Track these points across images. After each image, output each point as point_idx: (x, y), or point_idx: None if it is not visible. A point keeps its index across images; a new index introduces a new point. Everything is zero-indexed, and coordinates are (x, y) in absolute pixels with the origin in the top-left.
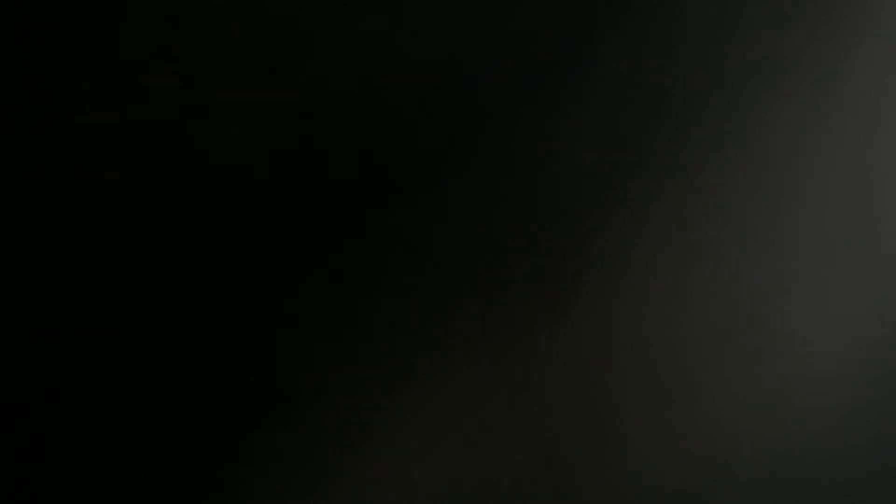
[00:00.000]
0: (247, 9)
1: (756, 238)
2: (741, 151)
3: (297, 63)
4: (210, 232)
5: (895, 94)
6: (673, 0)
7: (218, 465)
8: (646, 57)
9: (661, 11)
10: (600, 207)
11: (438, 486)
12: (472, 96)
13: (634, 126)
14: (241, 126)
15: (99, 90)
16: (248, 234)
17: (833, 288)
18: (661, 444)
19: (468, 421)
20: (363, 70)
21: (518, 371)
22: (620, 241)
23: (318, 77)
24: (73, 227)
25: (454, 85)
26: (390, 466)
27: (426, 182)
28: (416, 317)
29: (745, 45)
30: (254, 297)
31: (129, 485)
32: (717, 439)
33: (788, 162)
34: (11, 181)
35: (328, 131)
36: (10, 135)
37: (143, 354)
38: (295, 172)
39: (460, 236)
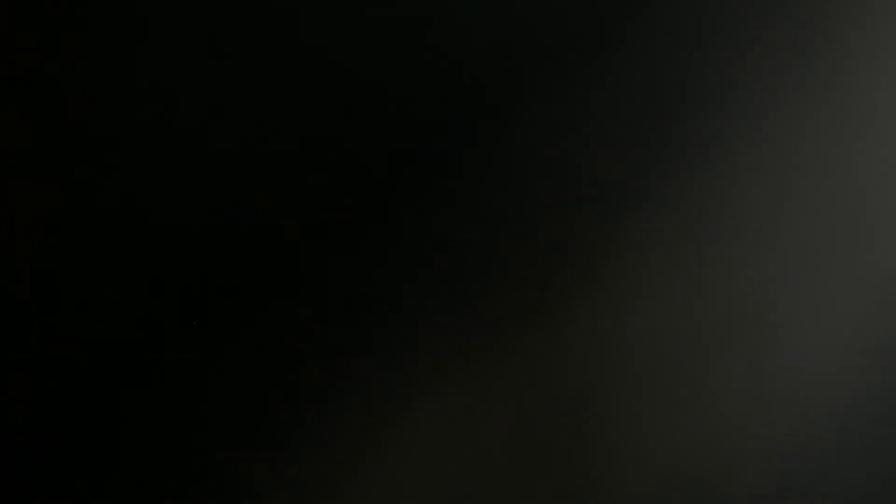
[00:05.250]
0: (254, 6)
1: (760, 236)
2: (745, 149)
3: (302, 61)
4: (212, 231)
5: None
6: (677, 1)
7: (216, 467)
8: (650, 56)
9: (663, 11)
10: (603, 206)
11: (439, 485)
12: (473, 96)
13: (639, 124)
14: (244, 123)
15: (103, 86)
16: (249, 233)
17: (838, 285)
18: (664, 442)
19: (469, 420)
20: (366, 70)
21: (520, 371)
22: (623, 240)
23: (322, 76)
24: (76, 225)
25: (455, 85)
26: (391, 466)
27: (425, 182)
28: (416, 317)
29: (749, 44)
30: (253, 297)
31: (126, 485)
32: (721, 437)
33: (793, 160)
34: (8, 180)
35: (329, 130)
36: (8, 136)
37: (141, 354)
38: (295, 172)
39: (461, 236)
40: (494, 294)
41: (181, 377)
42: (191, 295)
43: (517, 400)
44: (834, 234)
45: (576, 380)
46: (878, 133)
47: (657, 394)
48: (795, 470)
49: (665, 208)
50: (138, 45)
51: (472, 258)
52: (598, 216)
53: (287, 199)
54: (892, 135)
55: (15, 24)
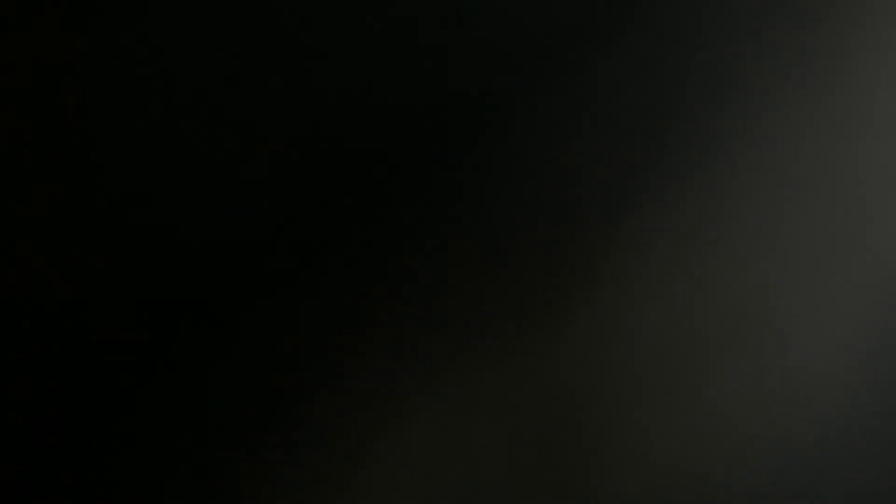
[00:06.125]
0: (253, 6)
1: (760, 236)
2: (745, 150)
3: (301, 61)
4: (212, 230)
5: None
6: (677, 1)
7: (216, 467)
8: (649, 56)
9: (663, 11)
10: (603, 206)
11: (438, 485)
12: (473, 96)
13: (639, 124)
14: (245, 123)
15: (100, 89)
16: (248, 233)
17: (838, 285)
18: (663, 443)
19: (469, 420)
20: (365, 70)
21: (520, 370)
22: (623, 240)
23: (321, 76)
24: (75, 227)
25: (456, 85)
26: (390, 466)
27: (425, 181)
28: (415, 316)
29: (749, 44)
30: (252, 297)
31: (126, 485)
32: (722, 437)
33: (792, 160)
34: (9, 180)
35: (329, 131)
36: (7, 136)
37: (140, 355)
38: (294, 172)
39: (461, 235)
40: (494, 294)
41: (181, 377)
42: (190, 294)
43: (517, 400)
44: (834, 233)
45: (575, 379)
46: (878, 133)
47: (657, 393)
48: (795, 470)
49: (665, 208)
50: (138, 45)
51: (472, 258)
52: (598, 216)
53: (286, 199)
54: (892, 135)
55: (15, 24)
